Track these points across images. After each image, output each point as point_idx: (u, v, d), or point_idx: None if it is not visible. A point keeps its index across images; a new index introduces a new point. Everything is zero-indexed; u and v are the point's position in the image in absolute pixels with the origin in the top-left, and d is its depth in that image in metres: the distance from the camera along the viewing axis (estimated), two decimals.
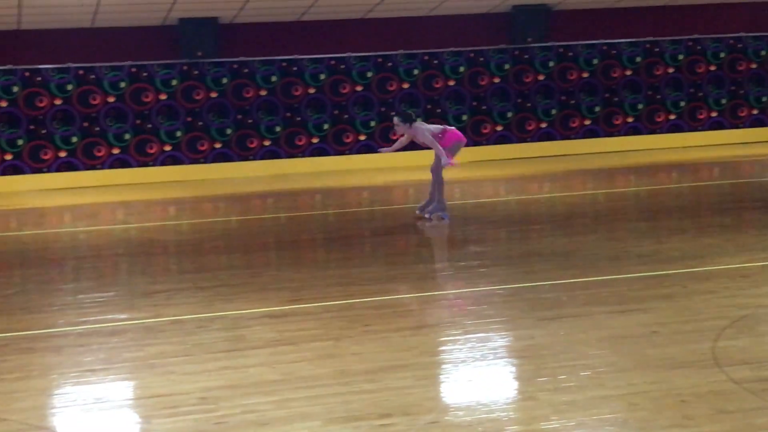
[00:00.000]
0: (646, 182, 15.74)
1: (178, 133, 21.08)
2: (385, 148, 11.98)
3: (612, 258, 8.66)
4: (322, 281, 8.06)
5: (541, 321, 6.23)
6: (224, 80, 21.25)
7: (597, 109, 22.90)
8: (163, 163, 20.97)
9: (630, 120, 23.06)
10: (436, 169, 11.41)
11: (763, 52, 23.38)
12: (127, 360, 5.72)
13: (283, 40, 21.51)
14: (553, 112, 22.78)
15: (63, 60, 20.46)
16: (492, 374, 5.23)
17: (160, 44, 20.93)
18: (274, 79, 21.52)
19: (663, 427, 4.29)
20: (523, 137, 22.65)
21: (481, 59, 22.39)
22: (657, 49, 23.09)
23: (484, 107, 22.46)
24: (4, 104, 20.27)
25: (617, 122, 23.00)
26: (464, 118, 22.29)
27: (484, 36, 22.39)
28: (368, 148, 21.69)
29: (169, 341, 6.25)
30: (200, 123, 21.12)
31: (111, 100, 20.75)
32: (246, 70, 21.34)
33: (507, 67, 22.53)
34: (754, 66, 23.31)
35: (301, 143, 21.49)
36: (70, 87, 20.53)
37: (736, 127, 23.31)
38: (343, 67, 21.80)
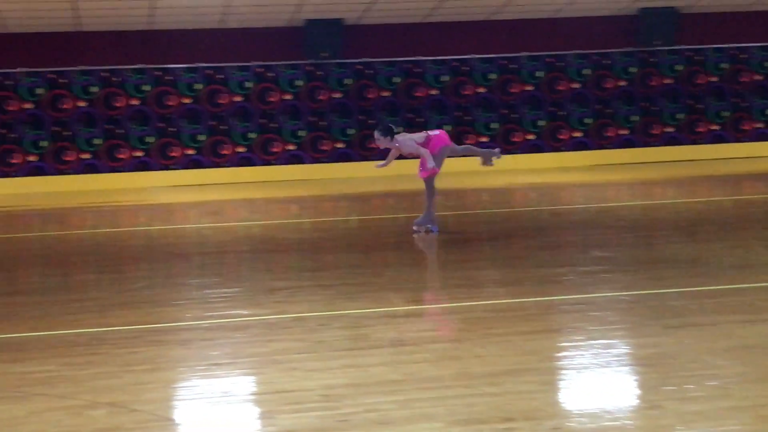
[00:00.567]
0: None
1: (301, 133, 21.35)
2: (380, 163, 11.32)
3: (740, 266, 8.44)
4: (443, 282, 8.06)
5: (667, 329, 6.11)
6: (347, 81, 21.44)
7: (725, 114, 22.37)
8: (286, 162, 21.27)
9: (759, 126, 22.46)
10: (429, 179, 10.79)
11: None
12: (251, 355, 5.82)
13: (407, 41, 21.61)
14: (680, 116, 22.34)
15: (193, 60, 20.92)
16: (616, 381, 5.16)
17: (285, 45, 21.25)
18: (396, 80, 21.62)
19: None
20: (648, 141, 22.28)
21: (607, 62, 22.10)
22: None
23: (608, 110, 22.16)
24: (135, 102, 20.83)
25: (745, 128, 22.43)
26: (588, 121, 22.04)
27: (611, 38, 22.09)
28: None
29: (292, 338, 6.32)
30: (323, 123, 21.35)
31: (237, 99, 21.13)
32: (369, 71, 21.49)
33: (633, 70, 22.18)
34: None
35: None
36: (198, 86, 20.99)
37: None
38: (466, 68, 21.76)
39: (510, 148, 21.43)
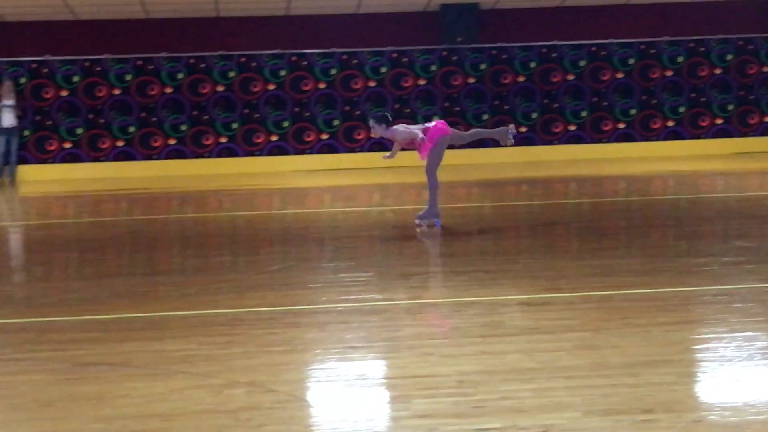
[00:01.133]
0: None
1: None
2: (386, 155, 11.24)
3: None
4: (579, 271, 7.94)
5: None
6: (482, 66, 21.33)
7: None
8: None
9: None
10: (431, 170, 10.65)
11: None
12: (386, 339, 5.84)
13: (543, 25, 21.36)
14: None
15: (328, 45, 21.12)
16: (760, 375, 5.00)
17: (420, 30, 21.26)
18: (533, 65, 21.41)
19: None
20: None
21: (750, 47, 21.48)
22: None
23: (751, 97, 21.55)
24: (272, 87, 21.14)
25: None
26: (730, 108, 21.48)
27: (755, 22, 21.46)
28: (626, 137, 21.26)
29: (426, 323, 6.32)
30: (457, 108, 21.30)
31: (372, 84, 21.25)
32: (505, 56, 21.33)
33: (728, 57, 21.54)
34: None
35: (558, 130, 21.31)
36: (333, 71, 21.18)
37: None
38: (604, 53, 21.41)
39: (649, 135, 21.02)
